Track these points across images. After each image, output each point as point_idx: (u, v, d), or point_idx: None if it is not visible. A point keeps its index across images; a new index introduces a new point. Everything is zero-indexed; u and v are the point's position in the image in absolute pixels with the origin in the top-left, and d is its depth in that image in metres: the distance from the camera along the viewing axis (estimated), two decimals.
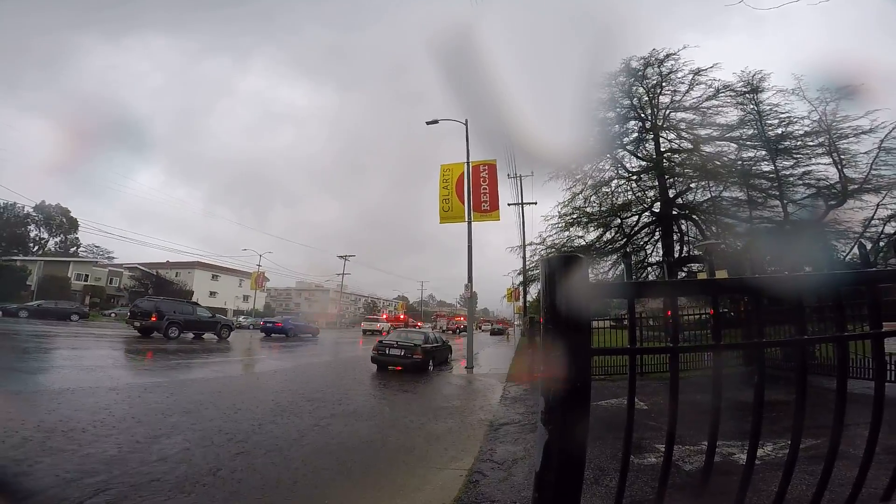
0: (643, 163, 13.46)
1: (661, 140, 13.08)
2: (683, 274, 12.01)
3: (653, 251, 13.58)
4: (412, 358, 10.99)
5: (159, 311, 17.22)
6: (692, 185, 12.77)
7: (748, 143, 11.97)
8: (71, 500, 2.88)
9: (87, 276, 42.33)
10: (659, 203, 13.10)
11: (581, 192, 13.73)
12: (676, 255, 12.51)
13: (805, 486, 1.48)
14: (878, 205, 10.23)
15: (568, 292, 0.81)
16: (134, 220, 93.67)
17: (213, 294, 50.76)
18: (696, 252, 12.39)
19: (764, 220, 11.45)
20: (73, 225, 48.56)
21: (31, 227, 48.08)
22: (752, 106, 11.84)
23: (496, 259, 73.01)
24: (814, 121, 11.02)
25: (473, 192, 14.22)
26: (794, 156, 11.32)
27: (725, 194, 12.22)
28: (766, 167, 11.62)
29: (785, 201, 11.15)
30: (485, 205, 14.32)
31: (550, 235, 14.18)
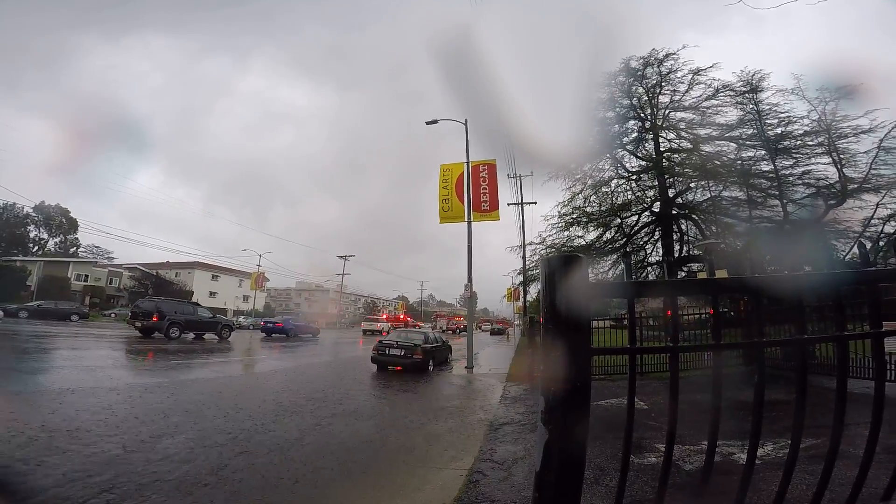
0: (643, 162, 13.48)
1: (661, 140, 13.09)
2: (683, 273, 12.01)
3: (653, 251, 13.59)
4: (412, 358, 10.98)
5: (160, 312, 17.24)
6: (692, 185, 12.79)
7: (748, 142, 11.98)
8: (77, 499, 2.90)
9: (86, 276, 42.33)
10: (659, 203, 13.10)
11: (581, 192, 13.75)
12: (676, 254, 12.52)
13: (805, 485, 1.49)
14: (877, 204, 10.24)
15: (568, 292, 0.81)
16: (134, 220, 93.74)
17: (212, 294, 50.75)
18: (695, 252, 12.40)
19: (764, 219, 11.45)
20: (73, 225, 48.56)
21: (31, 227, 48.10)
22: (751, 105, 11.85)
23: (496, 259, 73.24)
24: (813, 120, 11.04)
25: (473, 192, 14.22)
26: (794, 155, 11.33)
27: (725, 194, 12.24)
28: (766, 167, 11.63)
29: (784, 201, 11.15)
30: (484, 205, 14.32)
31: (550, 235, 14.20)
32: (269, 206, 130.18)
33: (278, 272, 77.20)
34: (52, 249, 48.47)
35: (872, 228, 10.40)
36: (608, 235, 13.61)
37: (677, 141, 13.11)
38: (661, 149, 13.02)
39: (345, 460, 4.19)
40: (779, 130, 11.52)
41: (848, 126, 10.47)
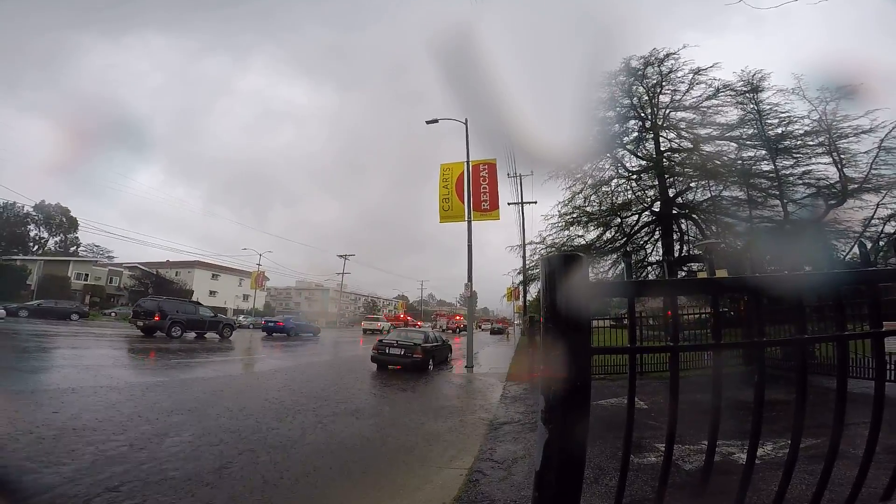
0: (643, 162, 13.45)
1: (661, 139, 13.06)
2: (683, 273, 12.00)
3: (653, 250, 13.57)
4: (412, 357, 10.99)
5: (162, 311, 17.29)
6: (692, 185, 12.77)
7: (748, 142, 11.96)
8: (86, 496, 2.93)
9: (86, 275, 42.36)
10: (659, 202, 13.09)
11: (581, 192, 13.72)
12: (676, 254, 12.51)
13: (805, 485, 1.49)
14: (878, 204, 10.22)
15: (568, 291, 0.81)
16: (134, 219, 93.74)
17: (212, 293, 50.78)
18: (696, 251, 12.39)
19: (764, 219, 11.43)
20: (73, 224, 48.58)
21: (31, 226, 48.13)
22: (752, 105, 11.82)
23: (496, 258, 73.29)
24: (814, 120, 11.01)
25: (473, 192, 14.22)
26: (794, 155, 11.31)
27: (725, 194, 12.22)
28: (766, 167, 11.60)
29: (785, 201, 11.14)
30: (485, 204, 14.32)
31: (550, 234, 14.16)
32: (269, 205, 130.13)
33: (278, 271, 77.31)
34: (53, 248, 48.52)
35: (873, 228, 10.39)
36: (608, 235, 13.60)
37: (678, 140, 13.10)
38: (662, 148, 13.00)
39: (345, 459, 4.20)
40: (779, 130, 11.51)
41: (848, 126, 10.45)
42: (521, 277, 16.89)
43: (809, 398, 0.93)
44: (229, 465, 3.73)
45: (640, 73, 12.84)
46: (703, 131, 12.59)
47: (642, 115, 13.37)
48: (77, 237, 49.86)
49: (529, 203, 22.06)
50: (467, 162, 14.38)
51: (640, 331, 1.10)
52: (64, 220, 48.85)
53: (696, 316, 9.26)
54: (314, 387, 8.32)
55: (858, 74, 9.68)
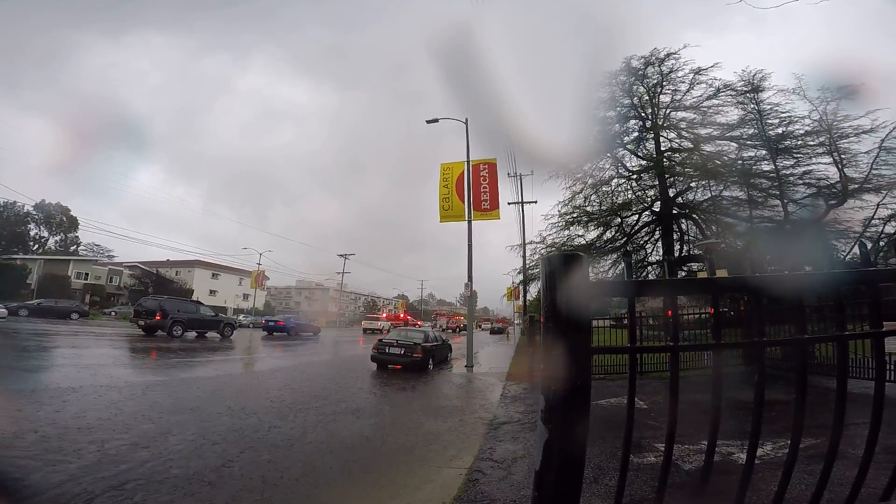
0: (643, 162, 13.45)
1: (662, 139, 13.06)
2: (683, 273, 12.00)
3: (653, 250, 13.56)
4: (412, 356, 11.00)
5: (163, 310, 17.30)
6: (692, 185, 12.76)
7: (748, 142, 11.95)
8: (91, 493, 2.94)
9: (87, 274, 42.39)
10: (659, 202, 13.08)
11: (581, 191, 13.71)
12: (677, 254, 12.50)
13: (805, 485, 1.49)
14: (878, 204, 10.22)
15: (568, 291, 0.81)
16: (134, 218, 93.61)
17: (213, 293, 50.80)
18: (696, 251, 12.38)
19: (764, 219, 11.43)
20: (73, 223, 48.57)
21: (31, 225, 48.14)
22: (752, 105, 11.81)
23: (496, 258, 73.22)
24: (814, 120, 11.00)
25: (473, 191, 14.22)
26: (795, 155, 11.30)
27: (726, 193, 12.21)
28: (767, 167, 11.60)
29: (785, 201, 11.13)
30: (485, 203, 14.32)
31: (550, 234, 14.16)
32: (270, 204, 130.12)
33: (278, 270, 77.25)
34: (53, 248, 48.52)
35: (873, 228, 10.39)
36: (608, 235, 13.59)
37: (678, 140, 13.09)
38: (662, 148, 12.99)
39: (345, 459, 4.20)
40: (780, 130, 11.50)
41: (849, 126, 10.45)
42: (521, 277, 16.90)
43: (809, 398, 0.93)
44: (230, 464, 3.74)
45: (640, 72, 12.83)
46: (703, 131, 12.58)
47: (643, 114, 13.36)
48: (77, 236, 49.93)
49: (529, 203, 22.07)
50: (467, 161, 14.38)
51: (640, 331, 1.11)
52: (64, 219, 48.85)
53: (696, 316, 9.26)
54: (314, 386, 8.32)
55: (859, 74, 9.68)
